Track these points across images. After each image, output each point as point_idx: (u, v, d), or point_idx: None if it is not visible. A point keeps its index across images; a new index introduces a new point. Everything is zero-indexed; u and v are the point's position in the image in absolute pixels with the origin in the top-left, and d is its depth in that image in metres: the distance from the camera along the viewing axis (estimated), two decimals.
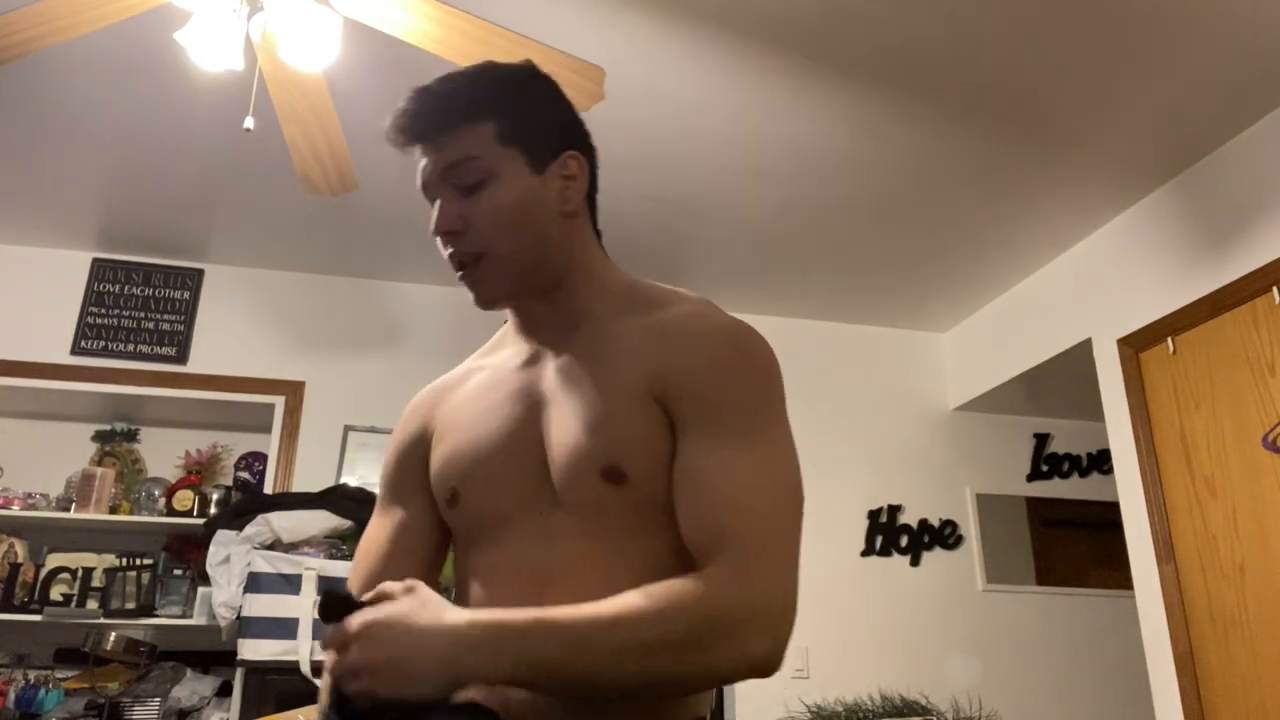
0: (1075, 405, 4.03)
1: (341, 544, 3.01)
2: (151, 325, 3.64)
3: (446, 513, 1.05)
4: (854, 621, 3.80)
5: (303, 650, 2.75)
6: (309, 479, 3.44)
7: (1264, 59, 2.56)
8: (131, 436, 3.68)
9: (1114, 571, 3.60)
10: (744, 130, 2.90)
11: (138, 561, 3.30)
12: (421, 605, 0.84)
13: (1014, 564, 4.07)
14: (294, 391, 3.65)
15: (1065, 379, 3.72)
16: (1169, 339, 3.09)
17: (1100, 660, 3.87)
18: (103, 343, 3.58)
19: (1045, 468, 4.27)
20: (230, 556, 2.92)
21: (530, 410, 1.00)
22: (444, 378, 1.15)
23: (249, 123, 2.09)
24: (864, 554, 3.96)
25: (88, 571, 3.26)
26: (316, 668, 2.72)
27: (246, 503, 3.18)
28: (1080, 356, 3.48)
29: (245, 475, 3.68)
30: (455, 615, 0.84)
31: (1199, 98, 2.72)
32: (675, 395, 0.93)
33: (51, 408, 3.59)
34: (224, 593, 2.86)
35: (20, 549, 3.28)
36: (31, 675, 3.15)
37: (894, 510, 4.03)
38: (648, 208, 3.29)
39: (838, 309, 4.16)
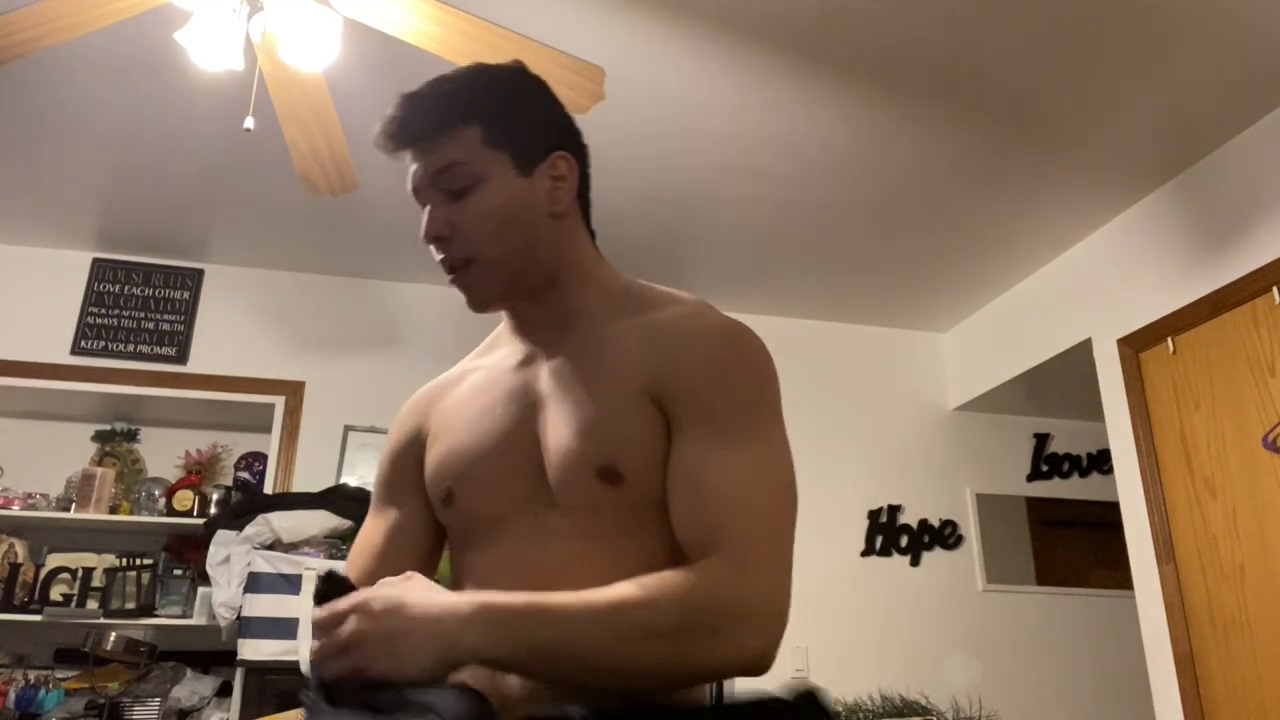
0: (1075, 405, 4.02)
1: (341, 544, 3.01)
2: (151, 325, 3.64)
3: (442, 513, 1.05)
4: (854, 621, 3.80)
5: (303, 650, 2.75)
6: (309, 479, 3.45)
7: (1264, 59, 2.56)
8: (131, 436, 3.68)
9: (1114, 571, 3.60)
10: (744, 130, 2.90)
11: (138, 561, 3.30)
12: (418, 587, 0.85)
13: (1014, 564, 4.07)
14: (294, 391, 3.65)
15: (1065, 379, 3.72)
16: (1169, 339, 3.09)
17: (1100, 660, 3.87)
18: (103, 343, 3.58)
19: (1045, 468, 4.27)
20: (230, 556, 2.92)
21: (526, 410, 1.00)
22: (440, 378, 1.15)
23: (249, 123, 2.09)
24: (864, 554, 3.96)
25: (88, 571, 3.27)
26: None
27: (246, 503, 3.18)
28: (1080, 356, 3.48)
29: (245, 475, 3.68)
30: (451, 595, 0.85)
31: (1199, 98, 2.72)
32: (672, 395, 0.94)
33: (51, 408, 3.60)
34: (224, 593, 2.86)
35: (20, 549, 3.28)
36: (31, 675, 3.15)
37: (894, 510, 4.03)
38: (647, 208, 3.29)
39: (838, 309, 4.16)
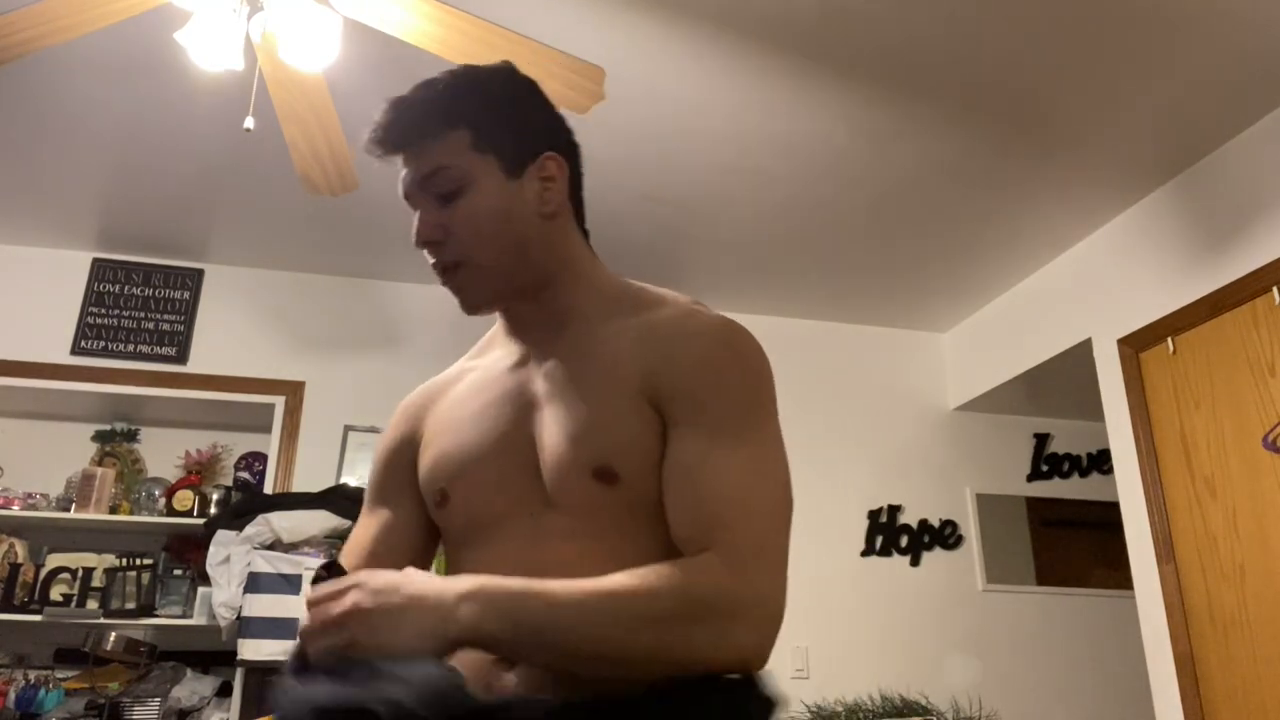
0: (1075, 405, 4.02)
1: (341, 544, 3.01)
2: (151, 325, 3.64)
3: (436, 514, 1.05)
4: (854, 622, 3.80)
5: None
6: (309, 479, 3.45)
7: (1264, 59, 2.56)
8: (131, 436, 3.68)
9: (1114, 571, 3.60)
10: (744, 130, 2.90)
11: (138, 561, 3.30)
12: (415, 574, 0.86)
13: (1014, 564, 4.07)
14: (294, 391, 3.65)
15: (1065, 379, 3.72)
16: (1169, 339, 3.09)
17: (1100, 660, 3.86)
18: (103, 343, 3.58)
19: (1045, 468, 4.27)
20: (230, 556, 2.93)
21: (521, 412, 1.01)
22: (435, 379, 1.15)
23: (249, 123, 2.10)
24: (864, 554, 3.96)
25: (88, 571, 3.26)
26: None
27: (246, 503, 3.18)
28: (1080, 356, 3.48)
29: (245, 475, 3.68)
30: (448, 579, 0.85)
31: (1199, 98, 2.72)
32: (667, 394, 0.94)
33: (51, 408, 3.60)
34: (224, 593, 2.86)
35: (20, 549, 3.28)
36: (31, 675, 3.15)
37: (894, 510, 4.03)
38: (647, 208, 3.29)
39: (838, 309, 4.16)
